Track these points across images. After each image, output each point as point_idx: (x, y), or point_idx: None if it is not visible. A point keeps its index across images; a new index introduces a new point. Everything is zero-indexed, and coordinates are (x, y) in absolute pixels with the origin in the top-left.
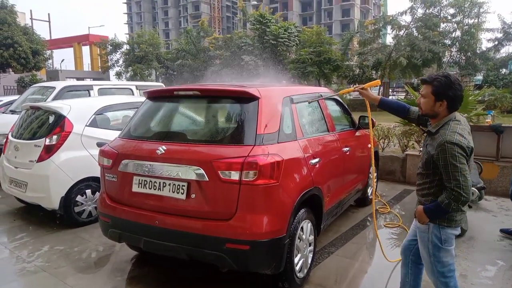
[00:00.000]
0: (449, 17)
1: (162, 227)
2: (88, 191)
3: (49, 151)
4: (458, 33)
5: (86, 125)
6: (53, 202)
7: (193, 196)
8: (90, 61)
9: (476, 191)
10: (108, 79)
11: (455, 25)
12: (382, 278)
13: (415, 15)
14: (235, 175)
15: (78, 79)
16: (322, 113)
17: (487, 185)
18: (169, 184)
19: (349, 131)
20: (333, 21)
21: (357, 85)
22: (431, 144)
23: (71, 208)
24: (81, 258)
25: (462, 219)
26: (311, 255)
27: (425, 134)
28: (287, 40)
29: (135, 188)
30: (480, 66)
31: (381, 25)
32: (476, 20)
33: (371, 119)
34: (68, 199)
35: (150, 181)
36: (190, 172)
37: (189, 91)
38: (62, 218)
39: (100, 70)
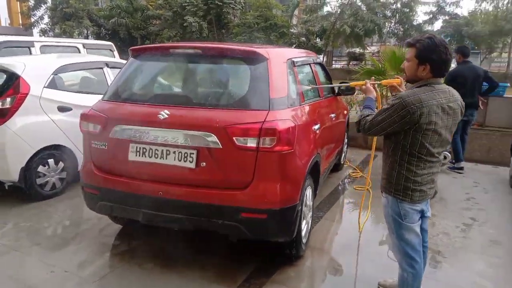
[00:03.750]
0: None
1: (167, 198)
2: (51, 161)
3: (2, 115)
4: (398, 5)
5: (44, 86)
6: (11, 173)
7: (203, 164)
8: (8, 15)
9: (448, 154)
10: (31, 36)
11: None
12: (374, 238)
13: None
14: (252, 142)
15: None
16: (314, 79)
17: None
18: (174, 152)
19: (333, 97)
20: None
21: (372, 78)
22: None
23: (32, 180)
24: (55, 234)
25: (419, 199)
26: (310, 220)
27: None
28: (232, 2)
29: (132, 157)
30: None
31: None
32: None
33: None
34: (29, 170)
35: (151, 148)
36: (200, 139)
37: (190, 49)
38: (22, 191)
39: (21, 26)
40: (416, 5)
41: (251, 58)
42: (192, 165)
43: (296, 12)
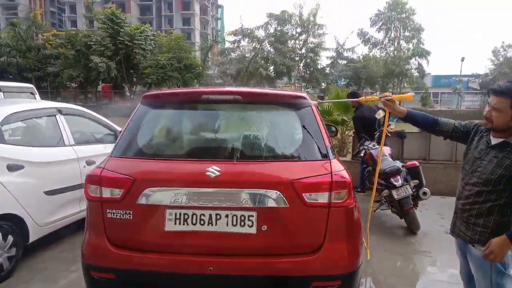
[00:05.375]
0: (296, 35)
1: (220, 274)
2: None
3: None
4: (304, 50)
5: None
6: None
7: (264, 228)
8: None
9: (428, 190)
10: None
11: (301, 42)
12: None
13: (268, 31)
14: (323, 197)
15: None
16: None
17: None
18: (226, 216)
19: None
20: (174, 28)
21: (382, 93)
22: (508, 157)
23: None
24: None
25: None
26: None
27: (483, 147)
28: (143, 43)
29: (170, 226)
30: (321, 80)
31: (240, 37)
32: (318, 40)
33: (335, 127)
34: None
35: (194, 214)
36: (261, 198)
37: (227, 95)
38: None
39: None
40: (320, 51)
41: (297, 103)
42: (252, 230)
43: (209, 55)
